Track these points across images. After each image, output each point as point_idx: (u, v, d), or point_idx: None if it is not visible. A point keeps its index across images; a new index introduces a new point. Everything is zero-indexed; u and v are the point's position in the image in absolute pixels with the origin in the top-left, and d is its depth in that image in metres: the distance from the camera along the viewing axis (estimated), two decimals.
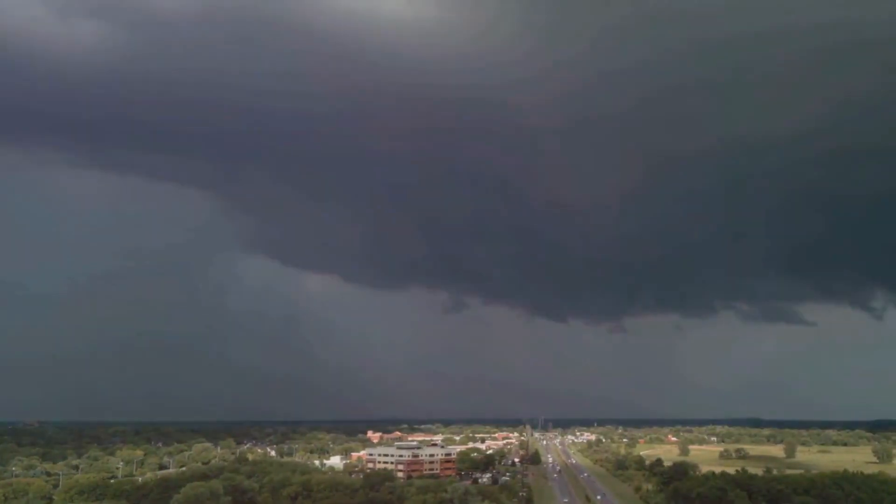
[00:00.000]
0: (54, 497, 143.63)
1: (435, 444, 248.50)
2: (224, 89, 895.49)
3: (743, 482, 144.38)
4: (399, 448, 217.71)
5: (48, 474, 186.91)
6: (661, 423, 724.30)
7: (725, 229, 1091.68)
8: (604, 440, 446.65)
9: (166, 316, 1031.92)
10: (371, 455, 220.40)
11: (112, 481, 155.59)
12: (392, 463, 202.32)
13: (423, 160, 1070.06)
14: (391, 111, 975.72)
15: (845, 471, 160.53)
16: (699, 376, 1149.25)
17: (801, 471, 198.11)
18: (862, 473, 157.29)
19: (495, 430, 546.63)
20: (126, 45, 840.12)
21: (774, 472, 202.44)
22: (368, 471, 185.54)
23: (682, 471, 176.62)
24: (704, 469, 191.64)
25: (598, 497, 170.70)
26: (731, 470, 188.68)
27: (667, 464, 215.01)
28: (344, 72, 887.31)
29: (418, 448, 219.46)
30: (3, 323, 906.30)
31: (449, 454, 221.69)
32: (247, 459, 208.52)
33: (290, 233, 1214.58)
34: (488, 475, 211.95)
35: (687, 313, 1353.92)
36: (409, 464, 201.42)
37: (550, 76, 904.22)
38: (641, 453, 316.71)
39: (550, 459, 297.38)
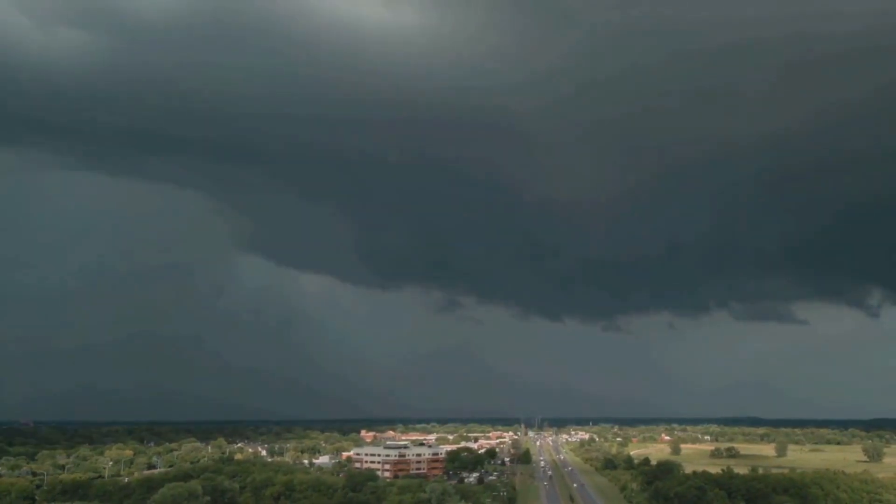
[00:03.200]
0: (37, 497, 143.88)
1: (423, 444, 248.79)
2: (215, 93, 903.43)
3: (723, 481, 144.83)
4: (386, 448, 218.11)
5: (33, 474, 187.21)
6: (658, 421, 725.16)
7: (718, 229, 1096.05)
8: (597, 439, 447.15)
9: (163, 316, 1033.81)
10: (358, 455, 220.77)
11: (95, 481, 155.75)
12: (378, 463, 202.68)
13: (417, 161, 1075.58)
14: (385, 114, 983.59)
15: (827, 470, 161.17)
16: (697, 375, 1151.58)
17: (787, 469, 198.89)
18: (843, 472, 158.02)
19: (490, 429, 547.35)
20: (112, 53, 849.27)
21: (760, 470, 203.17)
22: (354, 471, 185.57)
23: (665, 469, 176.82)
24: (691, 468, 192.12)
25: (575, 485, 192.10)
26: (716, 469, 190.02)
27: (654, 463, 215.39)
28: (336, 76, 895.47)
29: (405, 448, 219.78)
30: (1, 323, 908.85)
31: (436, 454, 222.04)
32: (231, 459, 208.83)
33: (284, 233, 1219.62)
34: (475, 474, 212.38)
35: (680, 312, 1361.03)
36: (395, 463, 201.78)
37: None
38: (633, 452, 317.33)
39: (541, 459, 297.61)
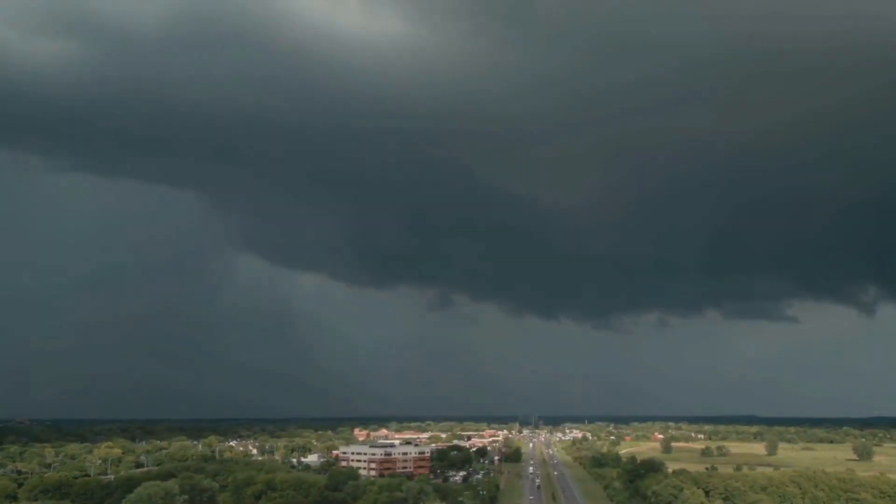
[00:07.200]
0: (18, 496, 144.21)
1: (409, 443, 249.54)
2: (208, 97, 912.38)
3: (702, 480, 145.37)
4: (372, 447, 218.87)
5: (18, 472, 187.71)
6: (654, 419, 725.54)
7: (711, 228, 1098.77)
8: (590, 437, 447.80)
9: (160, 315, 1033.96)
10: (345, 453, 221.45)
11: (77, 480, 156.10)
12: (364, 461, 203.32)
13: (410, 162, 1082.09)
14: (376, 118, 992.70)
15: (807, 468, 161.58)
16: (694, 373, 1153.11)
17: (771, 468, 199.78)
18: (823, 471, 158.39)
19: (486, 427, 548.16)
20: (103, 60, 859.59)
21: (745, 469, 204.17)
22: (336, 469, 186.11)
23: (648, 468, 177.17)
24: (678, 466, 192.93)
25: (556, 472, 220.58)
26: (701, 467, 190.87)
27: (638, 461, 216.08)
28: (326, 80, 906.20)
29: (392, 447, 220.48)
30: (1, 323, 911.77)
31: (422, 452, 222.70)
32: (215, 458, 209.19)
33: (279, 233, 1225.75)
34: (462, 473, 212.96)
35: (673, 311, 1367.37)
36: (381, 462, 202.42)
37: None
38: (624, 450, 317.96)
39: (531, 460, 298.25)
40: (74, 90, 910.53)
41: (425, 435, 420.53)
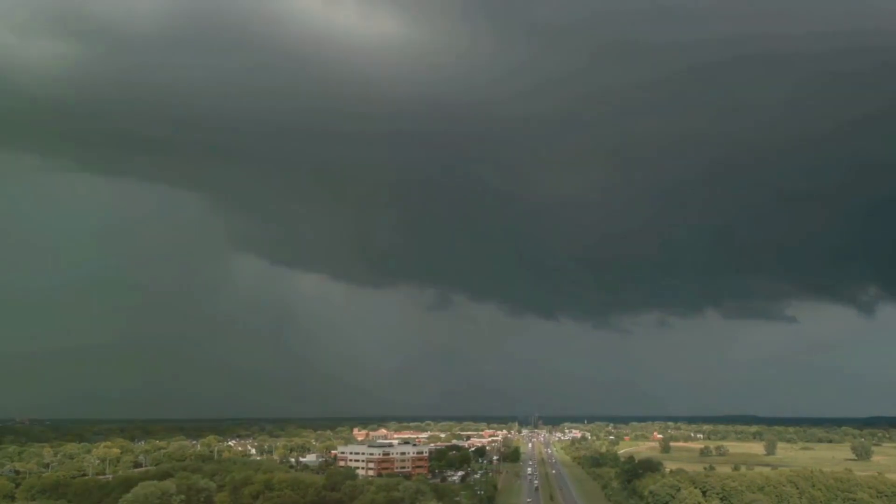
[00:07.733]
0: (16, 496, 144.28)
1: (407, 443, 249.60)
2: (207, 98, 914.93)
3: (699, 480, 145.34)
4: (371, 447, 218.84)
5: (17, 472, 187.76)
6: (654, 419, 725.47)
7: (710, 228, 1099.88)
8: (589, 437, 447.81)
9: (160, 315, 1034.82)
10: (343, 453, 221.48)
11: (75, 480, 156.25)
12: (362, 461, 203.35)
13: (407, 163, 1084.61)
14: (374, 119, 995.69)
15: (804, 468, 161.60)
16: (698, 374, 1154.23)
17: (770, 468, 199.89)
18: (820, 471, 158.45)
19: (485, 427, 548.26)
20: (102, 61, 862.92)
21: (743, 468, 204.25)
22: (334, 469, 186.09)
23: (646, 467, 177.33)
24: (676, 466, 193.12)
25: (553, 471, 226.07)
26: (699, 467, 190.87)
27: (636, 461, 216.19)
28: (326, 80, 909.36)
29: (390, 447, 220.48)
30: (0, 323, 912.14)
31: (421, 452, 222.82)
32: (212, 457, 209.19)
33: (278, 233, 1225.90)
34: (460, 473, 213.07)
35: (672, 311, 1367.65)
36: (379, 462, 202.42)
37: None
38: (622, 451, 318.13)
39: (530, 457, 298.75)
40: (73, 90, 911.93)
41: (424, 435, 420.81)
